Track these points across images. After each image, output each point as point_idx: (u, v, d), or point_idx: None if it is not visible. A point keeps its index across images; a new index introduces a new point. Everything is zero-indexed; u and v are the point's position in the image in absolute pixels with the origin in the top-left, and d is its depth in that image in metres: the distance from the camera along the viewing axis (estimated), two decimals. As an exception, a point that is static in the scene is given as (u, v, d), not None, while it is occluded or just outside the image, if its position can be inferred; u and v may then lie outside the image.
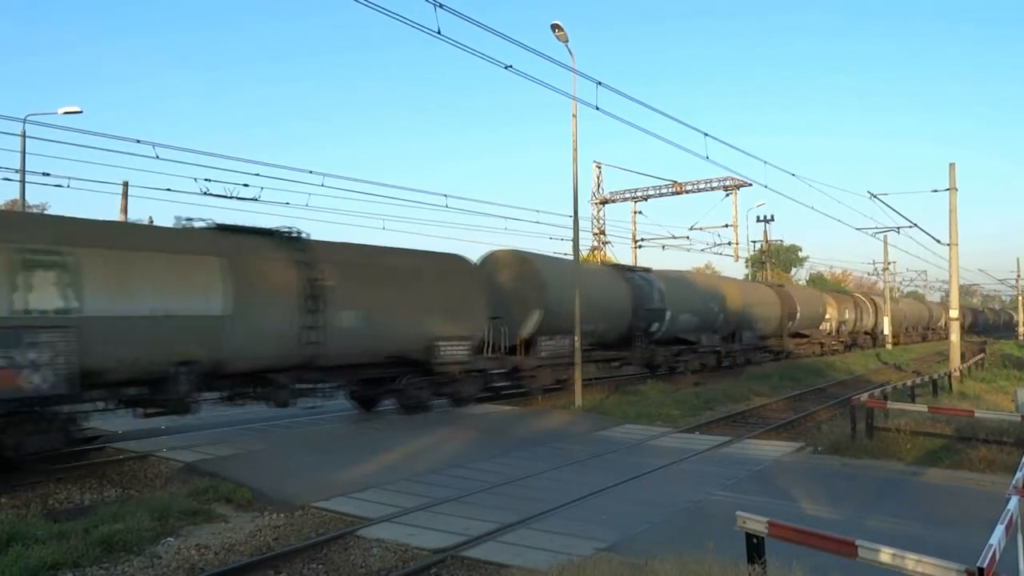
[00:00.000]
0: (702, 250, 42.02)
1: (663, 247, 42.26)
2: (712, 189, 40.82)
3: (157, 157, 18.79)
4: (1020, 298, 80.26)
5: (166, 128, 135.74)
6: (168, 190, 21.17)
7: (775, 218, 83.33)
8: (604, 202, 42.87)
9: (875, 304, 52.30)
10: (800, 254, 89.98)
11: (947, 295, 34.91)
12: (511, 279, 20.03)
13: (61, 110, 25.88)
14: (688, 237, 41.52)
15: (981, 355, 37.01)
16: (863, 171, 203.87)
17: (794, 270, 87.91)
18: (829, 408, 21.18)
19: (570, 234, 21.40)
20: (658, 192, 41.90)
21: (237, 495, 9.76)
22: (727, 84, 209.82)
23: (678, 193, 41.57)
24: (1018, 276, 77.23)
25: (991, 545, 4.55)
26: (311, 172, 21.84)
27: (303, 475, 10.96)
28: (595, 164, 43.36)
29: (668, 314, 25.85)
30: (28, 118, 21.58)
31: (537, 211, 75.25)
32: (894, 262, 70.32)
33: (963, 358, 28.93)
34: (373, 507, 9.40)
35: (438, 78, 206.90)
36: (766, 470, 12.17)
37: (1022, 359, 38.56)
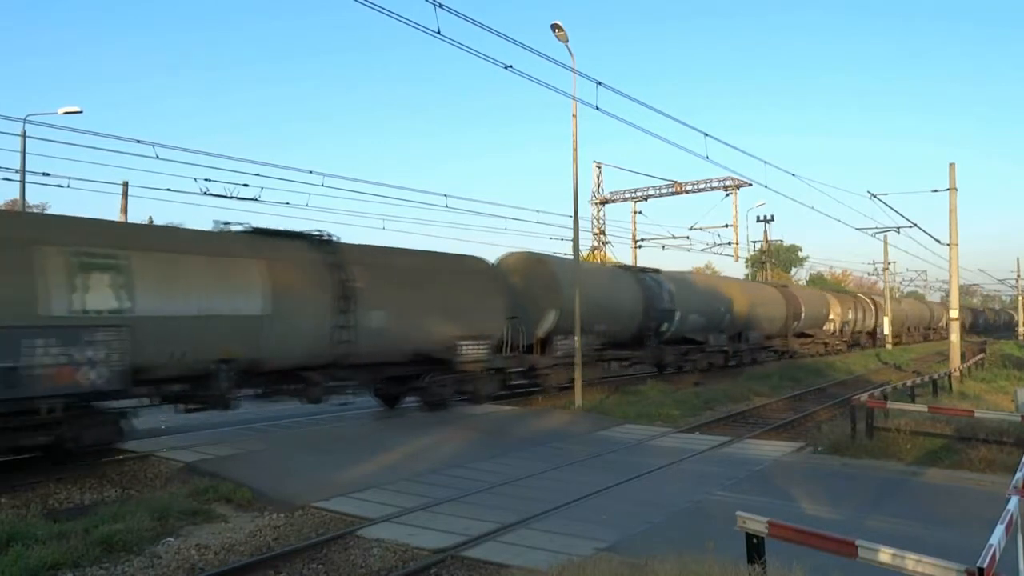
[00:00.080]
0: (702, 250, 42.06)
1: (663, 247, 42.31)
2: (712, 189, 40.83)
3: (157, 157, 18.79)
4: (1020, 298, 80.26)
5: (166, 128, 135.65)
6: (168, 190, 21.19)
7: (775, 218, 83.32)
8: (604, 202, 42.88)
9: (876, 304, 52.42)
10: (800, 254, 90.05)
11: (947, 295, 34.91)
12: (527, 280, 20.43)
13: (61, 110, 25.89)
14: (688, 237, 41.56)
15: (981, 355, 37.03)
16: (863, 171, 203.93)
17: (794, 270, 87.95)
18: (829, 408, 21.18)
19: (570, 234, 21.45)
20: (658, 192, 41.91)
21: (237, 495, 9.76)
22: (727, 84, 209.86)
23: (678, 193, 41.58)
24: (1018, 276, 77.27)
25: (991, 545, 4.55)
26: (311, 172, 21.85)
27: (303, 475, 10.97)
28: (595, 164, 43.40)
29: (677, 314, 26.36)
30: (28, 118, 21.58)
31: (537, 211, 75.25)
32: (894, 262, 70.35)
33: (963, 358, 28.93)
34: (373, 507, 9.40)
35: (438, 78, 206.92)
36: (766, 470, 12.17)
37: (1022, 359, 38.56)
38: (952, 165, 26.09)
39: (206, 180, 20.31)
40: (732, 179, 38.79)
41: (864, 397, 14.90)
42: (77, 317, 10.49)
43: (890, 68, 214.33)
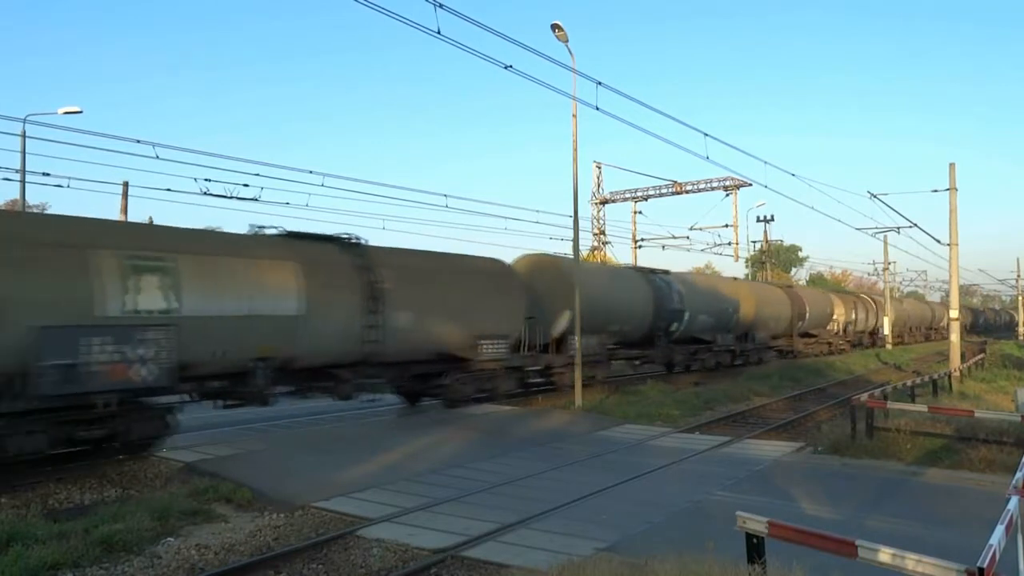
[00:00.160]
0: (702, 250, 42.07)
1: (663, 247, 42.32)
2: (712, 189, 40.84)
3: (157, 157, 18.78)
4: (1020, 298, 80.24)
5: (166, 128, 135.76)
6: (168, 190, 21.11)
7: (775, 218, 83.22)
8: (604, 202, 42.87)
9: (878, 304, 52.56)
10: (800, 254, 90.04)
11: (947, 295, 34.91)
12: (543, 281, 20.86)
13: (61, 110, 25.90)
14: (688, 237, 41.58)
15: (981, 355, 37.02)
16: (863, 171, 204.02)
17: (794, 270, 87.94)
18: (829, 408, 21.18)
19: (570, 234, 21.48)
20: (658, 192, 41.91)
21: (237, 495, 9.76)
22: (727, 84, 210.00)
23: (678, 193, 41.58)
24: (1018, 276, 77.26)
25: (991, 545, 4.55)
26: (311, 172, 21.85)
27: (303, 475, 10.97)
28: (595, 164, 43.40)
29: (687, 315, 26.87)
30: (28, 118, 21.58)
31: (537, 211, 75.25)
32: (894, 262, 70.33)
33: (963, 358, 28.93)
34: (373, 507, 9.40)
35: (438, 78, 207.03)
36: (766, 470, 12.17)
37: (1022, 359, 38.55)
38: (952, 165, 26.12)
39: (206, 180, 20.30)
40: (732, 179, 38.79)
41: (864, 397, 14.89)
42: (129, 317, 11.12)
43: (890, 68, 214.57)
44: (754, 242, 58.92)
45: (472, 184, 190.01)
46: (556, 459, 12.77)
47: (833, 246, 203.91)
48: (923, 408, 14.54)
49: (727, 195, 40.74)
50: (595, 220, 42.79)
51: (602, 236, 42.62)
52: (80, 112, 26.27)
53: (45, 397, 10.22)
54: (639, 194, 42.16)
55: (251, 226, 14.76)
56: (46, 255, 10.59)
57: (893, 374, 33.22)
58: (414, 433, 14.37)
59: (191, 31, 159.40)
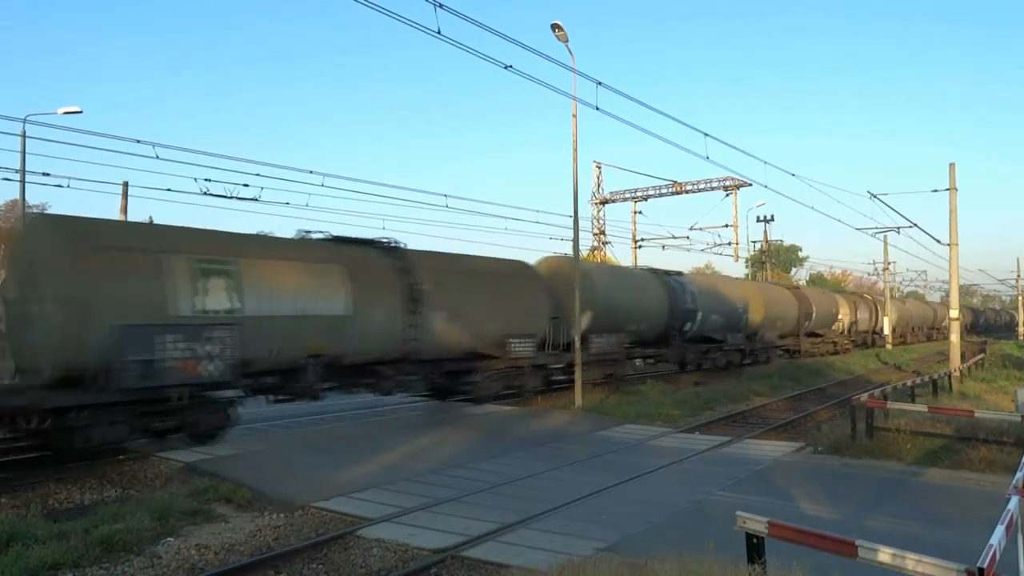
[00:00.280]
0: (702, 250, 42.09)
1: (663, 247, 42.33)
2: (712, 189, 40.83)
3: (157, 157, 18.78)
4: (1020, 298, 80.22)
5: (166, 128, 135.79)
6: (168, 190, 21.19)
7: (775, 218, 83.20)
8: (604, 202, 42.87)
9: (881, 304, 52.74)
10: (800, 254, 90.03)
11: (947, 295, 34.90)
12: (565, 282, 21.35)
13: (61, 110, 25.90)
14: (688, 237, 41.59)
15: (981, 355, 37.01)
16: (863, 171, 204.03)
17: (794, 270, 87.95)
18: (829, 408, 21.17)
19: (570, 234, 21.51)
20: (658, 192, 41.91)
21: (237, 495, 9.75)
22: (727, 84, 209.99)
23: (678, 193, 41.57)
24: (1018, 276, 77.24)
25: (991, 545, 4.55)
26: (311, 172, 21.93)
27: (303, 475, 10.96)
28: (595, 164, 43.39)
29: (699, 315, 27.77)
30: (28, 118, 21.65)
31: (537, 211, 75.34)
32: (894, 262, 70.41)
33: (963, 358, 28.92)
34: (373, 507, 9.39)
35: (438, 78, 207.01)
36: (766, 470, 12.16)
37: (1022, 359, 38.55)
38: (952, 165, 26.10)
39: (206, 180, 20.33)
40: (732, 179, 38.79)
41: (864, 397, 14.88)
42: (199, 316, 12.00)
43: (890, 68, 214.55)
44: (754, 242, 58.97)
45: (472, 184, 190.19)
46: (556, 459, 12.77)
47: (833, 246, 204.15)
48: (923, 408, 14.53)
49: (727, 195, 40.75)
50: (595, 220, 42.80)
51: (602, 236, 42.62)
52: (80, 112, 26.29)
53: (126, 390, 11.05)
54: (639, 194, 42.16)
55: (299, 231, 15.71)
56: (126, 260, 11.50)
57: (893, 374, 33.22)
58: (414, 433, 14.37)
59: (191, 31, 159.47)
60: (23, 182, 23.44)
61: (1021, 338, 71.88)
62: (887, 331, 50.96)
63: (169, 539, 8.17)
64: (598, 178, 42.84)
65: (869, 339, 50.38)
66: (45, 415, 10.80)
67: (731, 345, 30.72)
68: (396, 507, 9.36)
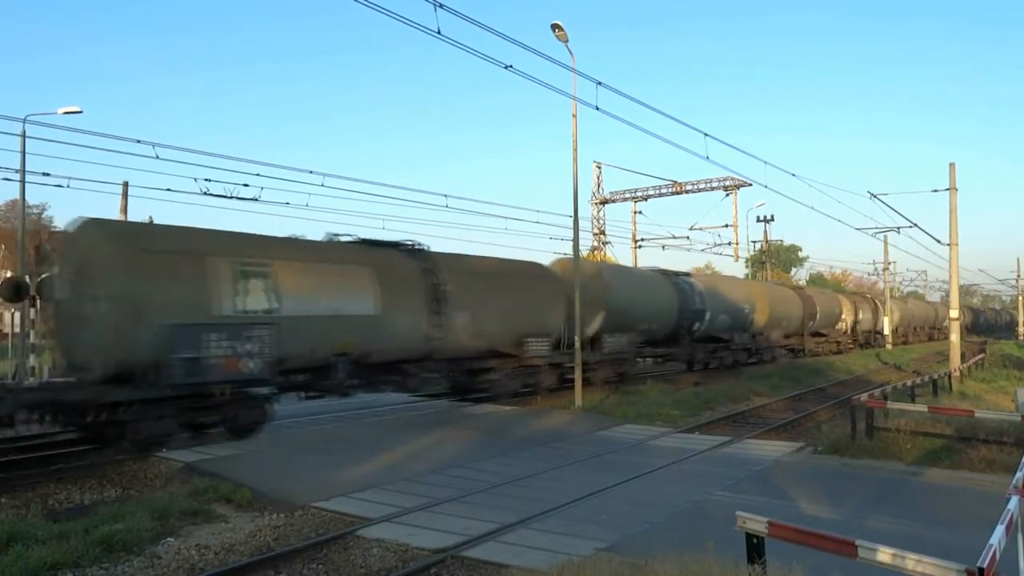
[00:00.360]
0: (702, 250, 42.13)
1: (663, 247, 42.34)
2: (712, 189, 40.84)
3: (157, 157, 18.80)
4: (1020, 298, 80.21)
5: (166, 128, 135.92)
6: (168, 190, 21.18)
7: (775, 218, 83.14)
8: (604, 202, 42.87)
9: (883, 304, 52.91)
10: (800, 254, 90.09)
11: (947, 295, 34.90)
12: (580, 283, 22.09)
13: (61, 110, 25.90)
14: (688, 237, 41.62)
15: (981, 355, 37.00)
16: (863, 171, 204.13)
17: (794, 270, 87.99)
18: (829, 408, 21.17)
19: (570, 234, 21.51)
20: (658, 192, 41.91)
21: (237, 495, 9.75)
22: (727, 84, 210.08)
23: (678, 193, 41.58)
24: (1018, 276, 77.22)
25: (991, 545, 4.54)
26: (311, 172, 21.97)
27: (303, 475, 10.96)
28: (595, 164, 43.40)
29: (708, 315, 28.33)
30: (28, 118, 21.67)
31: (537, 211, 75.36)
32: (894, 262, 70.45)
33: (963, 358, 28.92)
34: (373, 507, 9.39)
35: (438, 78, 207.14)
36: (766, 470, 12.16)
37: (1022, 359, 38.54)
38: (952, 165, 26.10)
39: (206, 180, 20.33)
40: (732, 179, 38.80)
41: (864, 397, 14.88)
42: (240, 316, 12.60)
43: (890, 68, 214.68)
44: (754, 242, 59.00)
45: (472, 184, 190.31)
46: (556, 459, 12.77)
47: (833, 246, 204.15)
48: (923, 408, 14.52)
49: (727, 195, 40.77)
50: (595, 220, 42.80)
51: (602, 236, 42.62)
52: (80, 112, 26.28)
53: (174, 386, 11.66)
54: (639, 194, 42.16)
55: (327, 234, 16.33)
56: (175, 262, 12.12)
57: (893, 374, 33.22)
58: (414, 433, 14.37)
59: (191, 31, 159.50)
60: (23, 182, 23.43)
61: (1021, 338, 71.88)
62: (887, 331, 50.99)
63: (169, 539, 8.17)
64: (598, 178, 42.87)
65: (872, 339, 50.71)
66: (100, 410, 11.35)
67: (738, 344, 31.33)
68: (396, 507, 9.36)
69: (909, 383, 20.22)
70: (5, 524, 7.82)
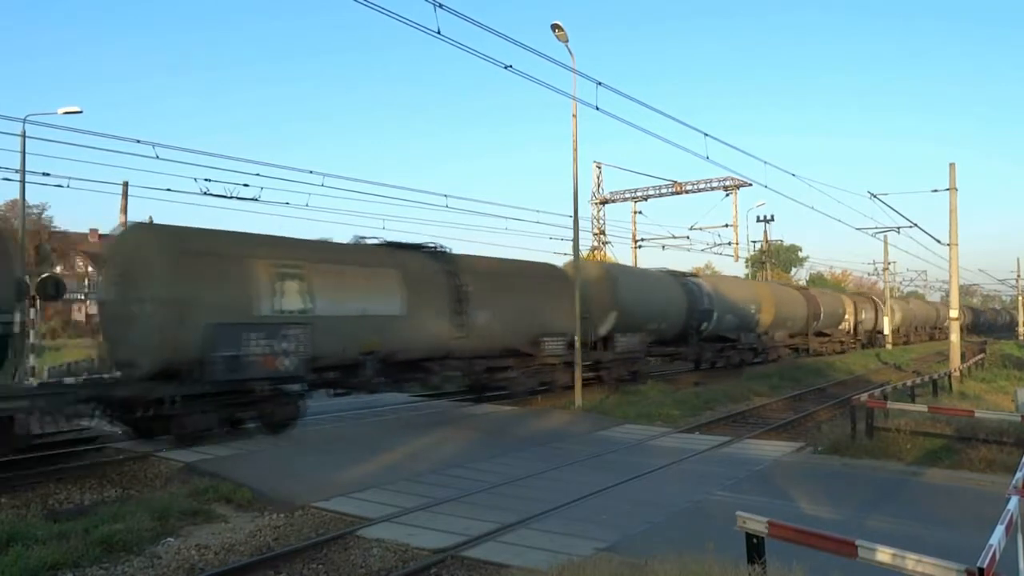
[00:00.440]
0: (702, 250, 42.17)
1: (663, 247, 42.33)
2: (712, 189, 40.83)
3: (157, 157, 18.85)
4: (1020, 298, 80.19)
5: (166, 128, 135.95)
6: (168, 190, 21.25)
7: (775, 218, 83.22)
8: (604, 202, 42.86)
9: (887, 305, 53.05)
10: (800, 254, 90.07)
11: (947, 295, 34.90)
12: (592, 284, 22.41)
13: (61, 110, 25.95)
14: (688, 237, 41.61)
15: (981, 355, 36.99)
16: (863, 171, 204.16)
17: (794, 270, 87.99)
18: (829, 408, 21.17)
19: (570, 234, 21.54)
20: (658, 192, 41.90)
21: (237, 495, 9.74)
22: (727, 84, 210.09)
23: (678, 193, 41.57)
24: (1018, 276, 77.18)
25: (991, 545, 4.54)
26: (311, 172, 21.98)
27: (303, 475, 10.96)
28: (595, 164, 43.39)
29: (715, 315, 28.83)
30: (28, 118, 21.69)
31: (537, 211, 75.32)
32: (894, 262, 70.40)
33: (963, 358, 28.91)
34: (373, 507, 9.39)
35: (438, 78, 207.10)
36: (766, 470, 12.16)
37: (1022, 359, 38.53)
38: (952, 165, 26.10)
39: (206, 180, 20.38)
40: (732, 179, 38.78)
41: (864, 397, 14.88)
42: (277, 316, 13.20)
43: (890, 68, 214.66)
44: (754, 242, 58.99)
45: (472, 184, 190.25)
46: (556, 459, 12.77)
47: (833, 246, 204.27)
48: (923, 408, 14.52)
49: (727, 195, 40.75)
50: (595, 220, 42.80)
51: (602, 236, 42.62)
52: (80, 112, 26.35)
53: (216, 382, 12.24)
54: (639, 194, 42.15)
55: (355, 237, 17.13)
56: (219, 265, 12.76)
57: (893, 374, 33.22)
58: (414, 433, 14.37)
59: (191, 31, 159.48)
60: (23, 182, 23.47)
61: (1021, 338, 71.84)
62: (887, 331, 51.03)
63: (169, 539, 8.17)
64: (598, 178, 42.87)
65: (873, 339, 50.97)
66: (148, 405, 11.90)
67: (744, 344, 31.91)
68: (396, 507, 9.36)
69: (909, 383, 20.22)
70: (5, 524, 7.82)
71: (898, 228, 32.13)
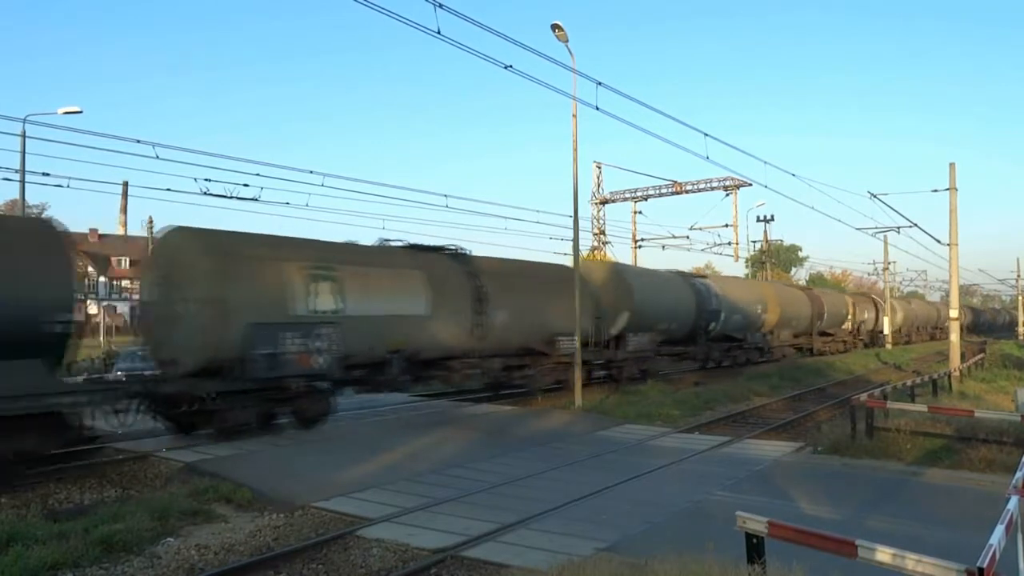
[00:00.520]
0: (702, 250, 42.17)
1: (663, 247, 42.34)
2: (712, 189, 40.84)
3: (157, 157, 18.87)
4: (1020, 298, 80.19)
5: (166, 128, 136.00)
6: (168, 190, 21.28)
7: (775, 218, 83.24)
8: (604, 202, 42.87)
9: (889, 304, 53.16)
10: (800, 254, 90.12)
11: (947, 295, 34.89)
12: (605, 285, 23.37)
13: (61, 110, 25.99)
14: (688, 237, 41.62)
15: (981, 355, 36.99)
16: (863, 171, 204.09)
17: (794, 270, 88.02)
18: (829, 408, 21.17)
19: (570, 234, 21.52)
20: (658, 192, 41.91)
21: (237, 495, 9.75)
22: (727, 84, 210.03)
23: (678, 193, 41.57)
24: (1018, 276, 77.19)
25: (991, 545, 4.54)
26: (311, 172, 21.97)
27: (303, 475, 10.96)
28: (595, 164, 43.41)
29: (723, 315, 29.49)
30: (28, 118, 21.71)
31: (537, 211, 75.38)
32: (894, 262, 70.42)
33: (963, 358, 28.90)
34: (373, 507, 9.39)
35: (438, 78, 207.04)
36: (766, 470, 12.16)
37: (1022, 359, 38.52)
38: (952, 165, 26.10)
39: (206, 180, 20.40)
40: (732, 179, 38.79)
41: (864, 397, 14.87)
42: (311, 316, 13.75)
43: (890, 68, 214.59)
44: (754, 242, 58.99)
45: (472, 184, 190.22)
46: (556, 459, 12.77)
47: (833, 246, 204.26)
48: (923, 408, 14.52)
49: (727, 195, 40.75)
50: (595, 220, 42.80)
51: (602, 236, 42.62)
52: (80, 112, 26.42)
53: (256, 379, 12.77)
54: (639, 194, 42.16)
55: (379, 239, 17.82)
56: (258, 267, 13.38)
57: (893, 374, 33.21)
58: (414, 433, 14.37)
59: (191, 31, 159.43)
60: (23, 182, 23.48)
61: (1021, 338, 71.84)
62: (887, 331, 51.06)
63: (169, 539, 8.17)
64: (598, 178, 42.88)
65: (875, 338, 51.20)
66: (192, 401, 12.41)
67: (750, 343, 32.56)
68: (396, 507, 9.36)
69: (909, 383, 20.21)
70: (5, 524, 7.82)
71: (898, 228, 32.15)
